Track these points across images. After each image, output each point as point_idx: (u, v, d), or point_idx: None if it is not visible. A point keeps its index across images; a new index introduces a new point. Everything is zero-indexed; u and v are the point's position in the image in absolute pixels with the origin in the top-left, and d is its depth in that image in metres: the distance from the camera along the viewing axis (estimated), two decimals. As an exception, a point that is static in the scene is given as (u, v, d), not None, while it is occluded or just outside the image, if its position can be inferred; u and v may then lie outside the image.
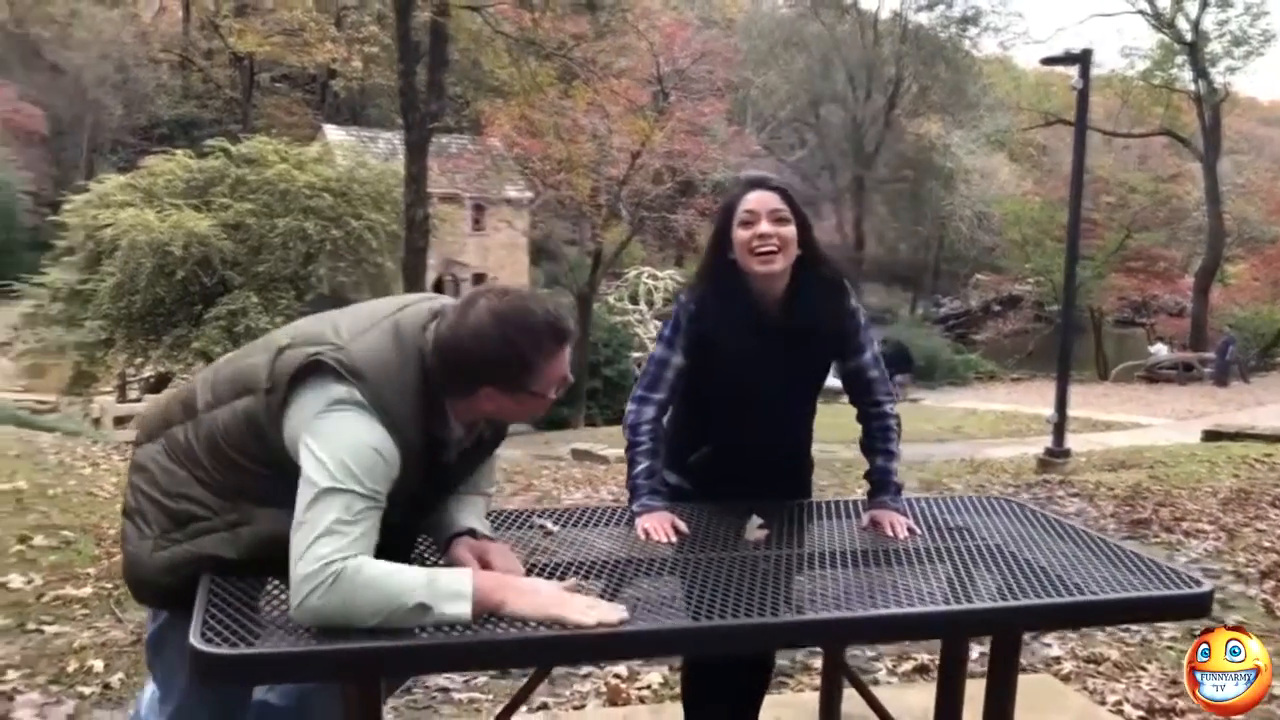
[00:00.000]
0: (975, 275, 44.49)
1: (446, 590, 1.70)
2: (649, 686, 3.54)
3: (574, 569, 2.05)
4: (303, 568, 1.65)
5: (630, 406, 2.47)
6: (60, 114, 34.38)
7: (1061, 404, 11.84)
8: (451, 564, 1.95)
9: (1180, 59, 29.34)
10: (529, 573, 1.98)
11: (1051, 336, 22.99)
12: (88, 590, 4.33)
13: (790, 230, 2.34)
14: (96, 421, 14.62)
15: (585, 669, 3.72)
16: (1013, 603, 1.93)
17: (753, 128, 35.59)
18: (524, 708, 3.37)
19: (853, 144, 36.91)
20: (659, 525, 2.30)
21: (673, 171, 24.28)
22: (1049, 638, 4.14)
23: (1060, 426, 11.78)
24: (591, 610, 1.73)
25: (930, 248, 44.55)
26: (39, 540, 5.03)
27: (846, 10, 37.42)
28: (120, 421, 15.08)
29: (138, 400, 17.64)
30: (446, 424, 1.91)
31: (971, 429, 17.58)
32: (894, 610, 1.91)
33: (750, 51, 35.97)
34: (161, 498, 1.94)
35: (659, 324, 25.27)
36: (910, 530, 2.36)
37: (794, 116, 38.38)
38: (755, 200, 2.34)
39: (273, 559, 1.78)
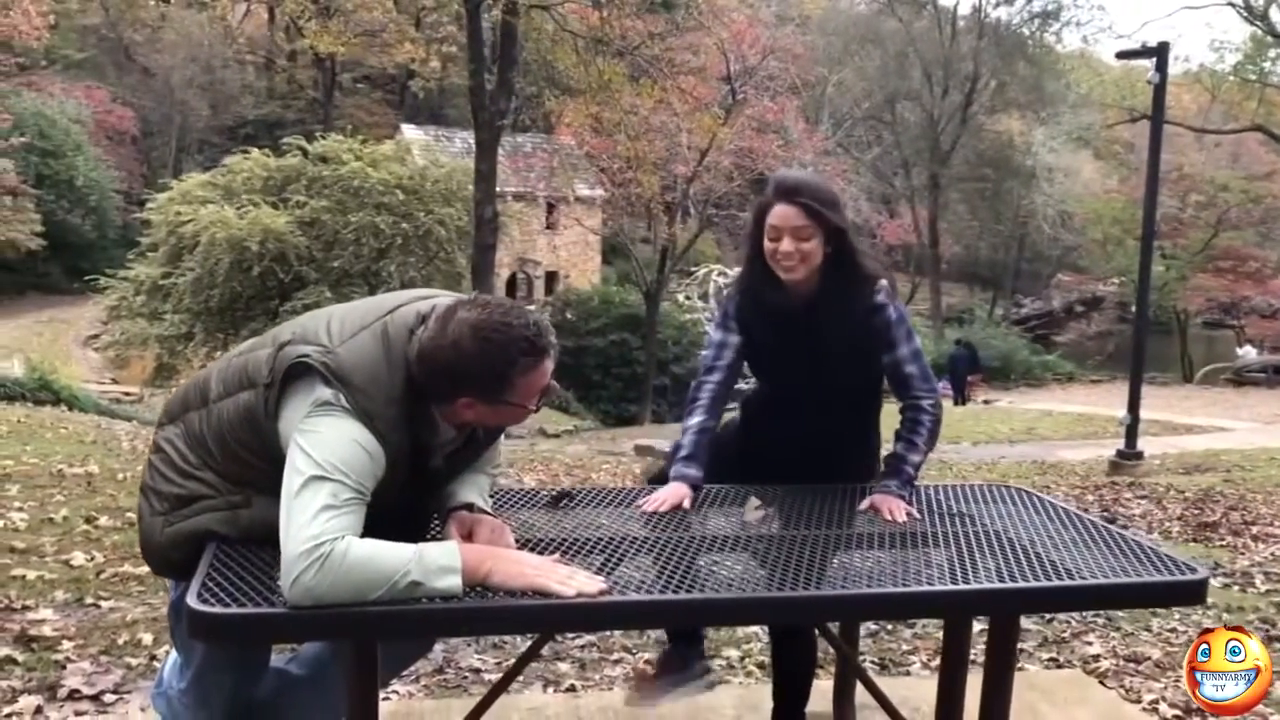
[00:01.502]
0: (1057, 275, 43.60)
1: (435, 565, 1.74)
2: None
3: (568, 545, 2.08)
4: (293, 548, 1.69)
5: (693, 384, 2.70)
6: (150, 115, 35.42)
7: (1134, 405, 11.56)
8: (444, 537, 2.00)
9: (1273, 52, 28.43)
10: (523, 547, 2.01)
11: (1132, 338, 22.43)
12: (145, 569, 4.46)
13: (812, 245, 2.44)
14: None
15: (617, 654, 3.76)
16: (1008, 585, 1.92)
17: (828, 125, 35.31)
18: (552, 689, 3.44)
19: (929, 142, 36.38)
20: (664, 497, 2.40)
21: (742, 169, 24.21)
22: (1090, 636, 4.08)
23: (1133, 428, 11.52)
24: (571, 580, 1.77)
25: (1010, 247, 43.73)
26: (104, 521, 5.23)
27: (924, 6, 36.93)
28: (198, 412, 15.48)
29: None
30: (435, 429, 1.96)
31: (1046, 430, 17.25)
32: (890, 589, 1.92)
33: (826, 48, 35.70)
34: (175, 477, 2.03)
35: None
36: (909, 515, 2.37)
37: (869, 114, 37.95)
38: (779, 216, 2.44)
39: (268, 542, 1.86)
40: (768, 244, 2.47)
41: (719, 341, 2.67)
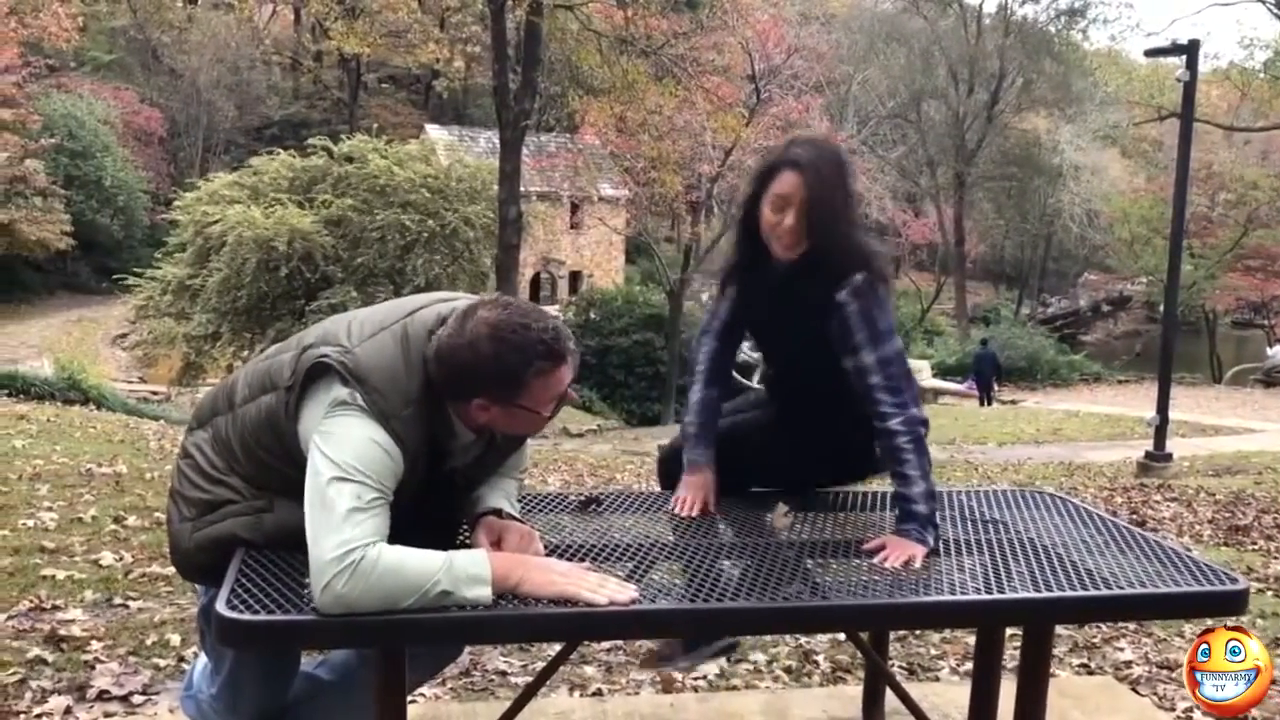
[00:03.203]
0: (1084, 274, 43.29)
1: (465, 574, 1.73)
2: (704, 676, 3.55)
3: (597, 551, 2.07)
4: (322, 554, 1.68)
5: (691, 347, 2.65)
6: (177, 115, 35.69)
7: (1163, 407, 11.46)
8: (473, 544, 1.99)
9: (1304, 49, 28.09)
10: (552, 553, 2.01)
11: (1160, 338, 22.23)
12: (172, 569, 4.49)
13: (809, 222, 2.24)
14: (202, 411, 15.16)
15: (644, 658, 3.75)
16: (1043, 594, 1.89)
17: (853, 124, 35.15)
18: (578, 693, 3.43)
19: (954, 140, 36.18)
20: (693, 499, 2.35)
21: (767, 168, 24.10)
22: (1122, 642, 4.03)
23: (1161, 430, 11.41)
24: (602, 588, 1.76)
25: (1037, 246, 43.44)
26: (132, 521, 5.26)
27: (949, 4, 36.70)
28: (225, 411, 15.59)
29: (243, 391, 18.21)
30: (452, 431, 1.94)
31: (1072, 431, 17.11)
32: (925, 598, 1.90)
33: (850, 47, 35.55)
34: (202, 482, 2.03)
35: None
36: (909, 562, 2.07)
37: (895, 112, 37.74)
38: (787, 184, 2.25)
39: (290, 546, 1.87)
40: (768, 214, 2.28)
41: (713, 306, 2.58)
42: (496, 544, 1.96)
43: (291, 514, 1.86)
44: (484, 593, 1.73)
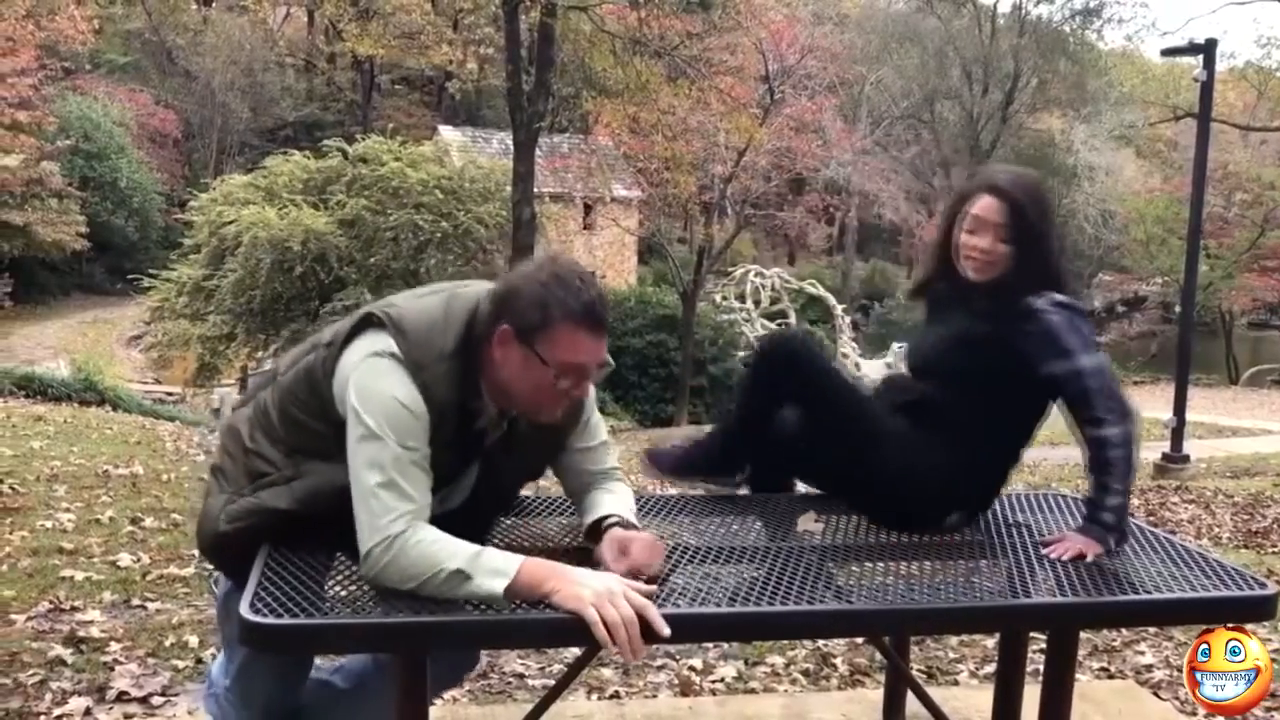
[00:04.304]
0: (1099, 275, 43.07)
1: (488, 565, 1.73)
2: (722, 679, 3.54)
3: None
4: (364, 522, 1.76)
5: None
6: (191, 117, 35.81)
7: (1180, 408, 11.40)
8: (598, 559, 1.93)
9: (1322, 48, 27.90)
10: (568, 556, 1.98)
11: (1177, 339, 22.13)
12: (190, 570, 4.51)
13: (1006, 249, 2.29)
14: (216, 412, 15.23)
15: (661, 660, 3.74)
16: (1069, 599, 1.88)
17: (866, 124, 35.09)
18: (596, 695, 3.42)
19: (968, 140, 36.06)
20: None
21: (780, 169, 24.10)
22: (1142, 645, 4.01)
23: (1178, 431, 11.36)
24: (618, 630, 1.68)
25: (1051, 246, 43.12)
26: (149, 522, 5.27)
27: (963, 4, 36.58)
28: (239, 412, 15.63)
29: (257, 392, 18.26)
30: (478, 391, 1.93)
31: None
32: (949, 604, 1.88)
33: (864, 47, 35.48)
34: (240, 455, 2.05)
35: (765, 323, 24.99)
36: (1080, 555, 2.10)
37: (908, 112, 37.65)
38: (984, 209, 2.30)
39: (322, 512, 1.89)
40: (963, 235, 2.34)
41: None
42: (623, 553, 1.90)
43: (323, 477, 1.90)
44: (497, 585, 1.71)
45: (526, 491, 2.38)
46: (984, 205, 2.29)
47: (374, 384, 1.83)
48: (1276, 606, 1.87)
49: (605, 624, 1.68)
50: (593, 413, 2.16)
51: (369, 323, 1.90)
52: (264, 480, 2.00)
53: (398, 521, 1.74)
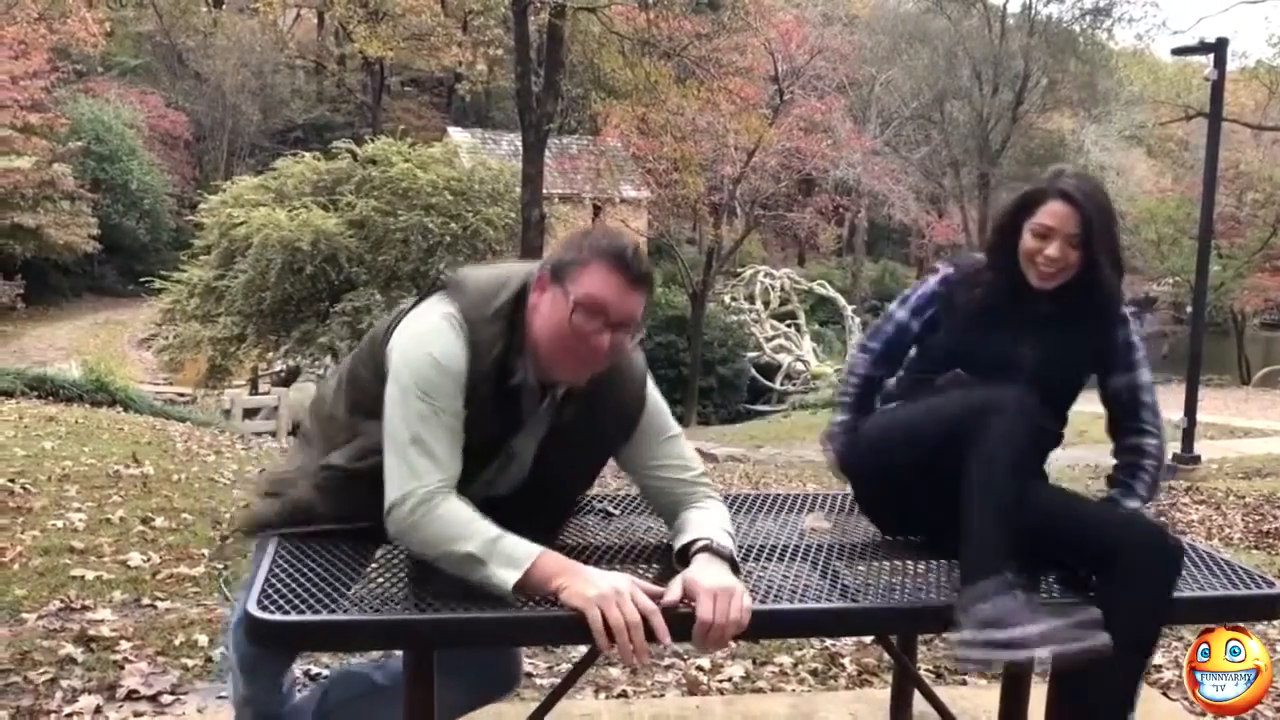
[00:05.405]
0: (1109, 276, 42.83)
1: (503, 553, 1.74)
2: (730, 679, 3.54)
3: (624, 554, 2.06)
4: (393, 473, 1.82)
5: (854, 365, 2.48)
6: (202, 119, 35.90)
7: (1191, 408, 11.36)
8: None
9: (1334, 47, 27.78)
10: (578, 555, 1.98)
11: (1188, 339, 22.05)
12: (200, 570, 4.53)
13: (1079, 256, 2.22)
14: (227, 413, 15.27)
15: (669, 660, 3.74)
16: (1073, 599, 1.88)
17: (876, 125, 35.03)
18: (604, 695, 3.43)
19: (978, 140, 35.95)
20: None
21: (789, 170, 24.08)
22: (1151, 645, 3.99)
23: (1189, 432, 11.32)
24: (620, 634, 1.68)
25: (1061, 247, 43.02)
26: (159, 522, 5.29)
27: (973, 4, 36.48)
28: (249, 413, 15.70)
29: (267, 394, 18.33)
30: (521, 349, 1.93)
31: (1098, 433, 16.59)
32: (951, 602, 1.88)
33: (874, 47, 35.42)
34: (312, 421, 2.15)
35: (775, 323, 24.90)
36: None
37: (918, 113, 37.55)
38: (1055, 216, 2.21)
39: (370, 469, 1.92)
40: (1030, 242, 2.24)
41: (903, 324, 2.40)
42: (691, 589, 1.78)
43: (372, 437, 1.93)
44: (508, 575, 1.71)
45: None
46: (1054, 212, 2.21)
47: (416, 341, 1.88)
48: (1284, 605, 1.87)
49: (607, 626, 1.67)
50: (671, 428, 2.09)
51: (435, 287, 1.98)
52: (334, 440, 2.06)
53: (425, 487, 1.78)
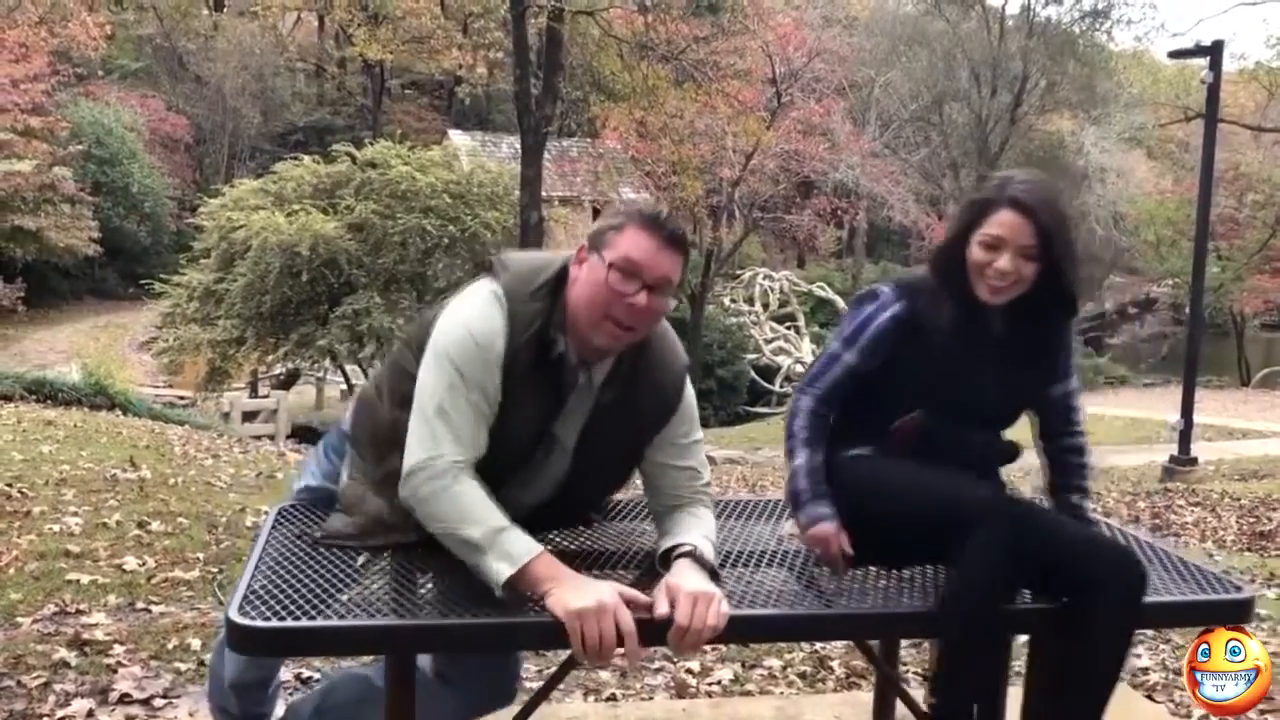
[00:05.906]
0: (1110, 277, 42.91)
1: (503, 547, 1.77)
2: (719, 682, 3.56)
3: (615, 559, 2.09)
4: (414, 440, 1.87)
5: (796, 407, 2.28)
6: (203, 122, 35.92)
7: (1188, 410, 11.39)
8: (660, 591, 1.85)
9: (1333, 49, 27.80)
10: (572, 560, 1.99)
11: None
12: (195, 574, 4.56)
13: (1034, 269, 2.08)
14: (226, 416, 15.29)
15: (658, 663, 3.77)
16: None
17: (875, 127, 35.03)
18: (592, 698, 3.45)
19: (977, 143, 35.96)
20: (831, 546, 2.12)
21: (788, 172, 24.10)
22: (1139, 648, 4.02)
23: (1186, 434, 11.35)
24: (599, 645, 1.71)
25: (1061, 249, 42.95)
26: (155, 525, 5.31)
27: (972, 6, 36.49)
28: (248, 416, 15.73)
29: (266, 397, 18.36)
30: (562, 325, 1.95)
31: (1098, 435, 16.95)
32: (925, 608, 1.91)
33: (872, 50, 35.43)
34: (369, 419, 2.16)
35: (774, 326, 24.80)
36: None
37: (917, 115, 37.54)
38: (1005, 226, 2.07)
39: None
40: (979, 253, 2.09)
41: (853, 368, 2.22)
42: (671, 605, 1.80)
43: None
44: (502, 569, 1.75)
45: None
46: (1005, 222, 2.06)
47: (456, 315, 1.93)
48: (1251, 610, 1.89)
49: (583, 638, 1.70)
50: (697, 431, 2.11)
51: (482, 269, 2.03)
52: (381, 441, 2.08)
53: (444, 459, 1.82)
